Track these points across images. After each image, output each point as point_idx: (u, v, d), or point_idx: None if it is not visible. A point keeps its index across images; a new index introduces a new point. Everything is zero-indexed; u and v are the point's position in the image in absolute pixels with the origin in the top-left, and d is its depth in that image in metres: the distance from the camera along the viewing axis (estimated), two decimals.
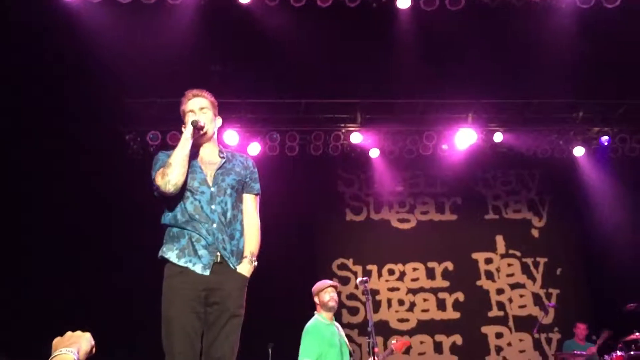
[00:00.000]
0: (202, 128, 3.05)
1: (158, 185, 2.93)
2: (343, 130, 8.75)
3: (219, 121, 3.25)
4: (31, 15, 6.38)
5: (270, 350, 6.25)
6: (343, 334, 5.24)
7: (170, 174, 2.90)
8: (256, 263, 3.09)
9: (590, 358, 7.35)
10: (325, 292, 5.09)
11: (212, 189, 3.03)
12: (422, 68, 7.52)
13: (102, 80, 7.18)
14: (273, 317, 7.46)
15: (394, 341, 5.98)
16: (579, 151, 9.06)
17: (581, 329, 7.83)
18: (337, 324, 5.22)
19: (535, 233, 9.77)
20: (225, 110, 8.25)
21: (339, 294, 5.36)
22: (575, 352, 7.36)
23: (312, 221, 9.36)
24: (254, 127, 8.55)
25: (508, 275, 9.50)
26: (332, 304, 5.06)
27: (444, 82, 7.95)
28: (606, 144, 8.96)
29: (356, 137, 8.68)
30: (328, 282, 5.28)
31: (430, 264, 9.46)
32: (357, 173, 9.75)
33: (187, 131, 3.01)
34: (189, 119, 3.08)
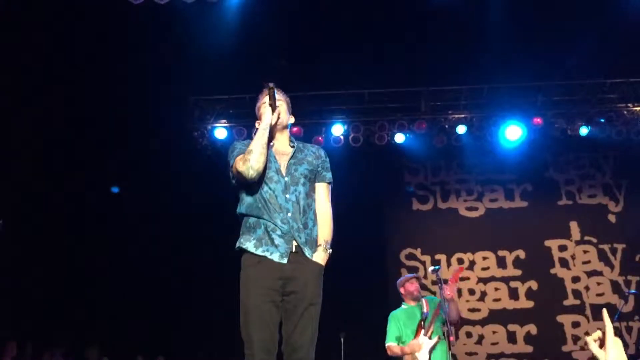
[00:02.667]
0: (276, 108, 3.08)
1: (240, 170, 2.97)
2: (408, 119, 8.66)
3: (292, 118, 3.31)
4: (98, 14, 6.62)
5: (342, 339, 6.32)
6: (427, 308, 5.30)
7: (252, 160, 2.95)
8: (331, 251, 3.11)
9: None
10: (411, 282, 5.50)
11: (286, 178, 3.06)
12: (485, 54, 7.36)
13: (167, 79, 7.41)
14: (343, 307, 7.52)
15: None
16: None
17: None
18: (423, 303, 5.38)
19: (612, 218, 9.37)
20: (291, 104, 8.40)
21: None
22: None
23: (379, 212, 9.35)
24: (318, 120, 8.60)
25: (584, 263, 9.17)
26: (416, 293, 5.46)
27: (508, 65, 7.75)
28: None
29: (421, 125, 8.57)
30: (409, 275, 5.76)
31: (501, 253, 9.25)
32: (423, 161, 9.65)
33: (266, 117, 3.07)
34: (264, 110, 3.14)
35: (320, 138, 8.62)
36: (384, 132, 8.64)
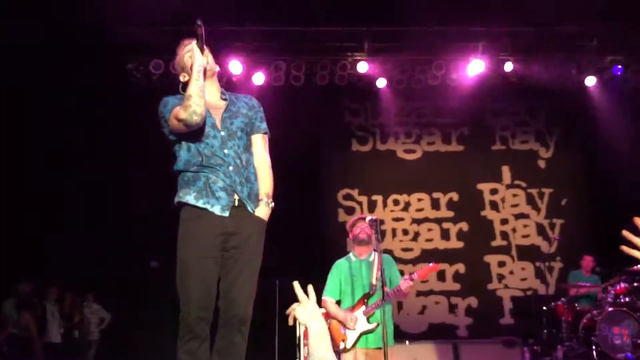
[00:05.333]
0: (204, 49, 2.91)
1: (182, 118, 2.81)
2: (350, 60, 8.56)
3: (216, 67, 3.12)
4: None
5: (277, 285, 6.34)
6: (377, 267, 4.58)
7: (193, 104, 2.80)
8: (273, 204, 3.04)
9: (594, 289, 7.48)
10: (356, 225, 4.91)
11: (222, 133, 2.95)
12: None
13: (101, 7, 6.99)
14: (279, 249, 7.57)
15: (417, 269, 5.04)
16: (590, 81, 8.88)
17: (587, 260, 7.90)
18: (374, 258, 4.76)
19: (541, 164, 9.74)
20: (229, 38, 8.13)
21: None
22: (579, 283, 7.46)
23: (318, 151, 9.36)
24: (259, 56, 8.38)
25: (513, 206, 9.55)
26: (363, 236, 4.82)
27: (453, 9, 7.70)
28: (619, 73, 8.75)
29: (363, 67, 8.51)
30: (358, 216, 5.19)
31: (435, 195, 9.50)
32: (364, 103, 9.64)
33: (198, 59, 2.88)
34: (188, 60, 2.98)
35: (260, 75, 8.44)
36: (326, 72, 8.53)
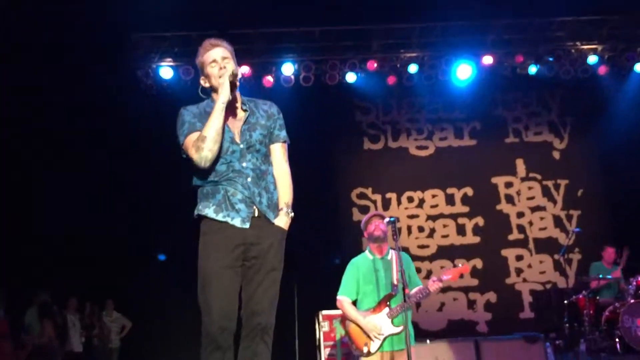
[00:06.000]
0: (236, 85, 2.86)
1: (192, 158, 2.80)
2: (359, 58, 8.52)
3: (239, 72, 3.01)
4: None
5: (295, 287, 6.34)
6: (397, 266, 4.53)
7: (205, 149, 2.77)
8: (292, 214, 2.99)
9: (616, 280, 7.39)
10: (370, 222, 4.76)
11: (241, 145, 2.90)
12: None
13: (110, 15, 7.02)
14: (295, 249, 7.54)
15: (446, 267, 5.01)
16: (602, 70, 8.78)
17: (609, 252, 7.76)
18: (392, 257, 4.68)
19: (556, 155, 9.64)
20: (238, 41, 8.13)
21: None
22: (599, 275, 7.34)
23: (330, 151, 9.34)
24: (268, 57, 8.38)
25: (528, 199, 9.46)
26: (377, 233, 4.66)
27: (460, 3, 7.66)
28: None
29: (372, 64, 8.47)
30: (372, 212, 4.97)
31: (450, 190, 9.44)
32: (375, 101, 9.60)
33: (224, 94, 2.82)
34: (213, 70, 2.90)
35: (270, 77, 8.44)
36: (335, 72, 8.51)
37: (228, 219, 2.83)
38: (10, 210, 7.76)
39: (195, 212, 2.93)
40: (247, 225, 2.84)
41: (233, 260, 2.82)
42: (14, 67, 7.40)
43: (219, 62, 2.92)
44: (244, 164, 2.89)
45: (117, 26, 7.45)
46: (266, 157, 2.98)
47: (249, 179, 2.88)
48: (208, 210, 2.86)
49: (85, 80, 7.85)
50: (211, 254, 2.81)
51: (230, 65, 2.93)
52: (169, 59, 8.24)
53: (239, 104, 3.02)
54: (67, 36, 7.36)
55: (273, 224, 2.92)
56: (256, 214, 2.88)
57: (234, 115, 2.98)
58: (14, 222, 7.81)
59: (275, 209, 2.96)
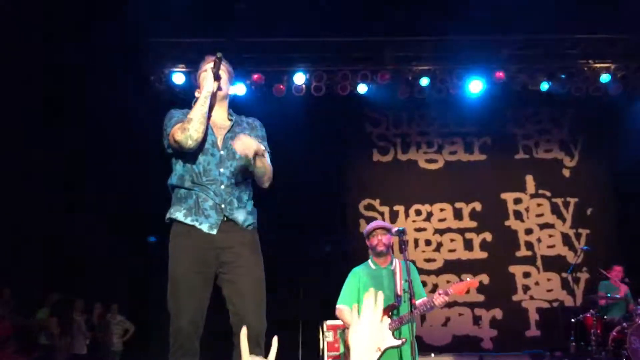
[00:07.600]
0: (219, 77, 2.98)
1: (178, 139, 2.87)
2: (370, 69, 8.54)
3: (231, 89, 3.17)
4: None
5: (301, 290, 6.34)
6: (400, 277, 4.41)
7: (191, 129, 2.86)
8: (266, 150, 3.02)
9: (626, 299, 7.33)
10: (373, 235, 4.53)
11: (222, 152, 2.99)
12: (449, 3, 7.25)
13: (125, 20, 7.08)
14: (300, 257, 7.54)
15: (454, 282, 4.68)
16: (615, 89, 8.74)
17: (617, 271, 7.71)
18: (396, 267, 4.50)
19: (566, 173, 9.59)
20: (251, 50, 8.18)
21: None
22: (607, 294, 7.28)
23: (339, 162, 9.33)
24: (279, 67, 8.41)
25: (537, 216, 9.41)
26: (381, 248, 4.47)
27: (473, 18, 7.65)
28: None
29: (383, 76, 8.48)
30: (377, 223, 4.67)
31: (458, 205, 9.40)
32: (385, 113, 9.61)
33: (208, 85, 2.96)
34: (208, 73, 3.01)
35: (281, 86, 8.46)
36: (347, 82, 8.53)
37: (196, 223, 2.90)
38: (21, 211, 7.79)
39: (167, 216, 3.00)
40: (214, 232, 2.89)
41: (202, 266, 2.87)
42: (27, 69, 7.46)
43: (208, 70, 3.03)
44: (222, 170, 2.96)
45: (132, 30, 7.49)
46: (245, 168, 3.01)
47: (222, 186, 2.95)
48: (179, 213, 2.94)
49: (99, 83, 7.90)
50: (180, 259, 2.87)
51: (224, 76, 3.05)
52: (182, 65, 8.30)
53: (226, 114, 3.13)
54: (78, 38, 7.41)
55: (243, 228, 2.96)
56: (226, 219, 2.93)
57: (221, 122, 3.08)
58: (23, 224, 7.83)
59: (247, 215, 3.00)
